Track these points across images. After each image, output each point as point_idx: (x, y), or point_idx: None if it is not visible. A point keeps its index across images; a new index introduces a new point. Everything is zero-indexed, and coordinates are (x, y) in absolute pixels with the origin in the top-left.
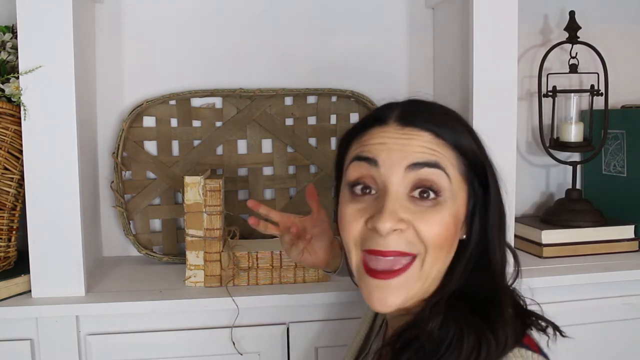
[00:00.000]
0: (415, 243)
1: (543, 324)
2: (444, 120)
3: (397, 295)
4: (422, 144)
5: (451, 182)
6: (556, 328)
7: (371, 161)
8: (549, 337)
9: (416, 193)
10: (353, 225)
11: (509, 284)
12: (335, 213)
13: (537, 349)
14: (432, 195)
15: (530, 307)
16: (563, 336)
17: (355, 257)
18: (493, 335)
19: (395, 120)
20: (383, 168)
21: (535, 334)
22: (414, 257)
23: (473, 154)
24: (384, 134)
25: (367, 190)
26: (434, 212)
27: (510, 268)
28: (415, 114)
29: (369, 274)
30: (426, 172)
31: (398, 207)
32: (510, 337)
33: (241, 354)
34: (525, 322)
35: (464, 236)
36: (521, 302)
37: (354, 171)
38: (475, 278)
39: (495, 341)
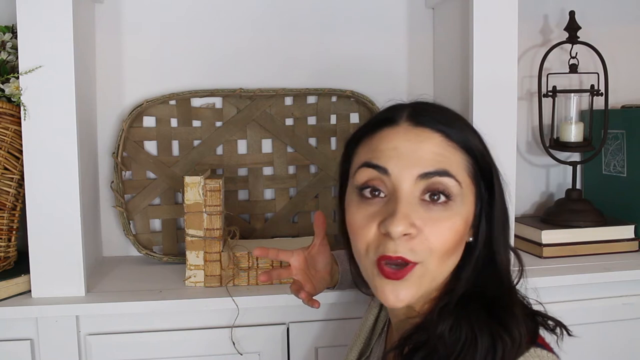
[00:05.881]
0: (420, 251)
1: (551, 323)
2: (454, 122)
3: (408, 290)
4: (432, 148)
5: (461, 186)
6: (564, 327)
7: (381, 169)
8: (557, 336)
9: (427, 196)
10: (365, 230)
11: (514, 284)
12: (335, 213)
13: (550, 348)
14: (443, 198)
15: (534, 307)
16: (570, 335)
17: (369, 261)
18: (508, 335)
19: (407, 120)
20: (393, 175)
21: (544, 333)
22: (415, 264)
23: (481, 155)
24: (395, 136)
25: (377, 193)
26: (445, 218)
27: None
28: (426, 113)
29: (383, 275)
30: (437, 180)
31: (410, 211)
32: (524, 336)
33: (241, 354)
34: (535, 321)
35: (471, 239)
36: (525, 302)
37: (363, 175)
38: (483, 279)
39: (511, 341)
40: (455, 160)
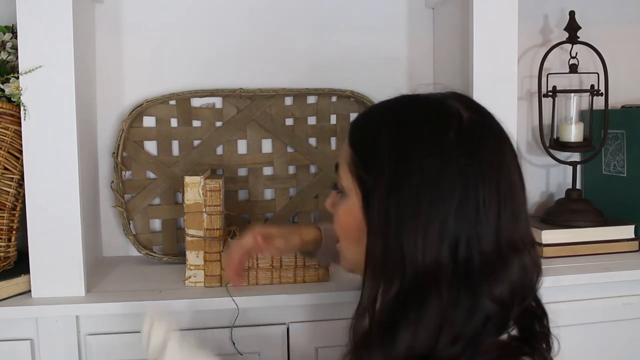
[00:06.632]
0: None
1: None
2: (362, 121)
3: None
4: (345, 145)
5: (344, 181)
6: None
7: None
8: None
9: None
10: None
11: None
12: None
13: None
14: (339, 190)
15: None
16: None
17: None
18: None
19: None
20: None
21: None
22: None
23: (369, 156)
24: None
25: None
26: (338, 207)
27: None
28: (363, 113)
29: None
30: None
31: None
32: None
33: (241, 354)
34: (526, 344)
35: None
36: (535, 322)
37: None
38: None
39: None
40: (345, 157)
